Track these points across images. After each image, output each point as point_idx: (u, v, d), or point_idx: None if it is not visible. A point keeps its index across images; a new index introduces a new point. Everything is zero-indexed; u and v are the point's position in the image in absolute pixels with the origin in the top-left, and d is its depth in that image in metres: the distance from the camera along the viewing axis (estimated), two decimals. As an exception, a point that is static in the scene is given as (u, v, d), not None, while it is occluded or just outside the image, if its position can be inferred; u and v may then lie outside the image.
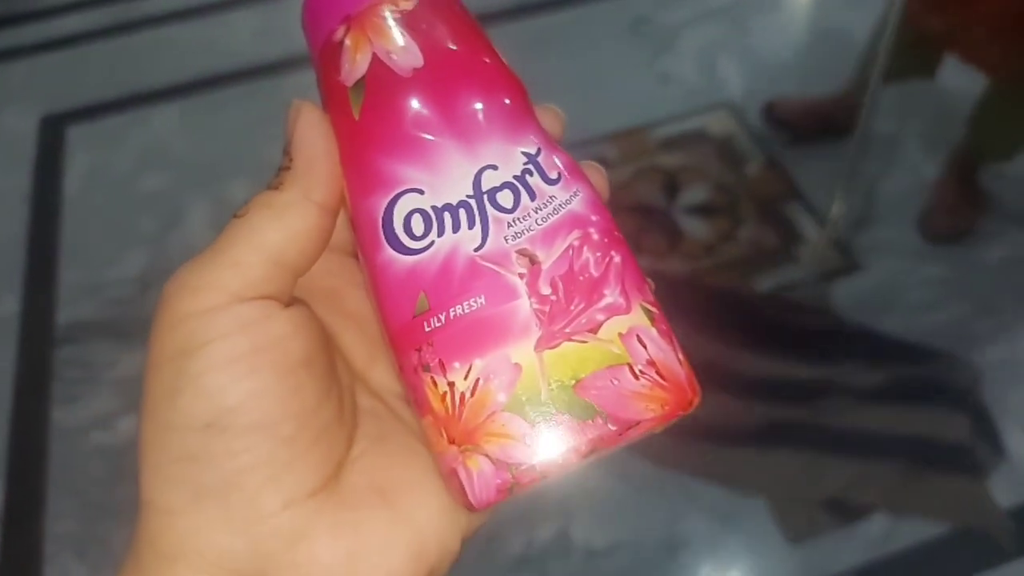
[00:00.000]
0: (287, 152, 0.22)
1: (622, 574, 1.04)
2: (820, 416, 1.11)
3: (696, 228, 1.38)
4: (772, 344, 1.17)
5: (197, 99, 1.64)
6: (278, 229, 0.20)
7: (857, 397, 1.12)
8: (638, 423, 0.20)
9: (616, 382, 0.20)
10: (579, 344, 0.20)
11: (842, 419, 1.11)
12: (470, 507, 0.20)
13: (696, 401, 0.21)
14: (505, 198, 0.22)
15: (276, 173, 0.22)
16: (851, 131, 1.25)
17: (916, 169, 1.46)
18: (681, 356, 0.21)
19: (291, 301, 0.21)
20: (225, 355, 0.19)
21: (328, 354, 0.22)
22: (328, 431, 0.21)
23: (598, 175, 0.24)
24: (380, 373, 0.24)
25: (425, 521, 0.21)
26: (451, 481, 0.21)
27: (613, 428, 0.20)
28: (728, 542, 1.06)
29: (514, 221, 0.21)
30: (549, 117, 0.24)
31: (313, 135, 0.22)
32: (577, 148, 1.37)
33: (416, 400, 0.21)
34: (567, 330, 0.21)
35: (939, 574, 1.04)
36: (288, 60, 1.69)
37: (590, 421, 0.20)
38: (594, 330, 0.21)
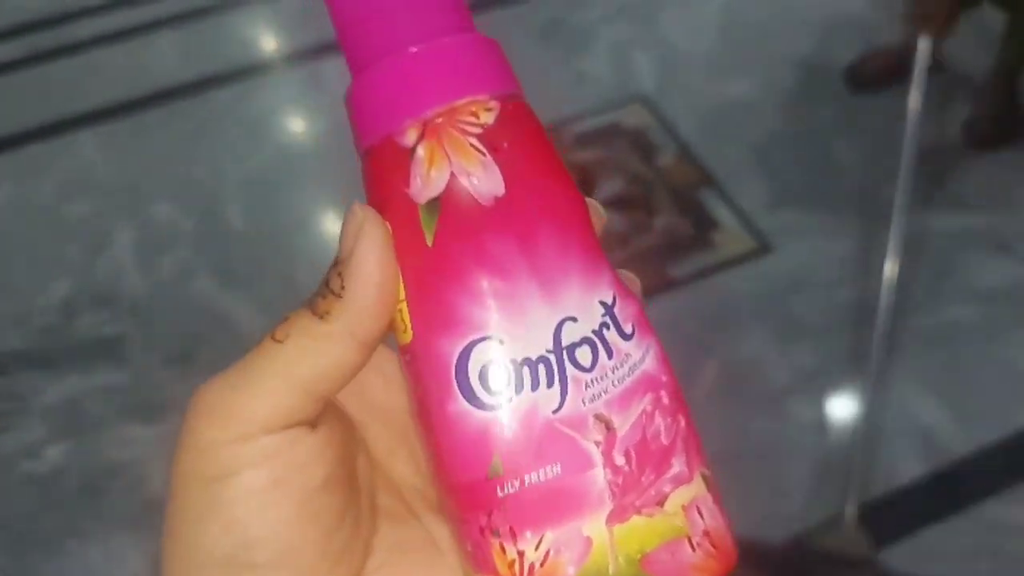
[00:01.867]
0: (339, 271, 0.20)
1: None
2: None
3: (612, 220, 1.40)
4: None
5: (120, 123, 1.64)
6: (316, 364, 0.20)
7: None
8: None
9: (676, 555, 0.21)
10: (647, 518, 0.20)
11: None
12: None
13: (736, 561, 0.22)
14: (584, 355, 0.20)
15: (323, 293, 0.20)
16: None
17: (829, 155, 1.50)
18: (727, 520, 0.22)
19: (318, 420, 0.21)
20: (250, 486, 0.19)
21: (349, 466, 0.22)
22: (346, 551, 0.21)
23: (636, 286, 0.23)
24: (401, 465, 0.24)
25: None
26: None
27: None
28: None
29: (592, 382, 0.20)
30: (594, 217, 0.23)
31: (374, 265, 0.20)
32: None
33: (478, 560, 0.21)
34: (637, 503, 0.20)
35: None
36: (212, 78, 1.70)
37: None
38: (661, 503, 0.21)
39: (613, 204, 1.44)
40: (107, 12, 1.83)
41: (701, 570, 0.21)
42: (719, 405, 1.19)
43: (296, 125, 1.69)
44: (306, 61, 1.76)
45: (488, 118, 0.21)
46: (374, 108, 0.21)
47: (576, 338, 0.20)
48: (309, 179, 1.51)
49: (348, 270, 0.20)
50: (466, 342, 0.20)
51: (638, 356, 0.21)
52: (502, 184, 0.20)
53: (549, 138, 0.22)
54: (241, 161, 1.55)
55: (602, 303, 0.21)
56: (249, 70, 1.76)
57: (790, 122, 1.55)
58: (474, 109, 0.21)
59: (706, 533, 0.21)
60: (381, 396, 0.24)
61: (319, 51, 1.77)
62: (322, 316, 0.20)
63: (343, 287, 0.20)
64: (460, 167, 0.20)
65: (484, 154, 0.20)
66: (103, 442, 1.19)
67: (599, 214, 0.23)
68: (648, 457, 0.21)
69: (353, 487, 0.22)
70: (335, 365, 0.20)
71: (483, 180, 0.20)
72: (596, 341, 0.20)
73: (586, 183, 1.47)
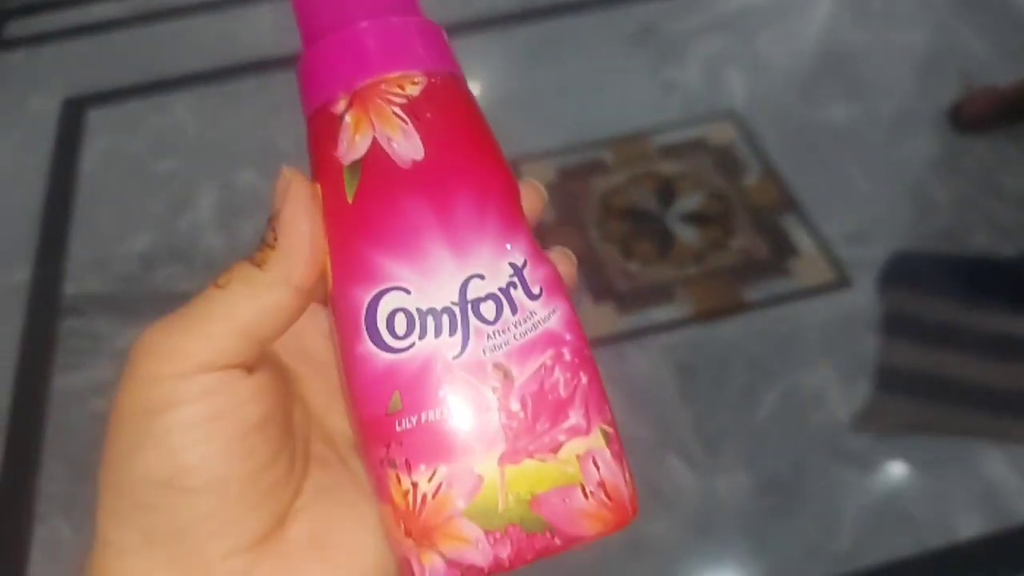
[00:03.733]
0: (272, 227, 0.22)
1: (580, 570, 1.05)
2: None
3: (688, 235, 1.39)
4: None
5: (213, 89, 1.69)
6: (254, 308, 0.21)
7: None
8: (581, 538, 0.22)
9: (567, 501, 0.22)
10: (539, 462, 0.22)
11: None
12: None
13: (634, 518, 0.23)
14: (488, 310, 0.22)
15: (259, 246, 0.22)
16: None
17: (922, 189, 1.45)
18: (628, 476, 0.23)
19: (256, 364, 0.22)
20: (186, 420, 0.20)
21: (286, 412, 0.23)
22: (276, 487, 0.22)
23: (568, 263, 0.25)
24: (336, 419, 0.25)
25: (358, 570, 0.23)
26: (403, 568, 0.22)
27: (558, 542, 0.22)
28: (692, 547, 1.07)
29: (494, 334, 0.22)
30: (531, 195, 0.25)
31: (302, 217, 0.22)
32: (575, 152, 1.40)
33: (378, 489, 0.22)
34: (530, 448, 0.22)
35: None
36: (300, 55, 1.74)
37: (539, 534, 0.21)
38: (555, 450, 0.22)
39: (691, 219, 1.42)
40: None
41: (593, 518, 0.22)
42: (776, 433, 1.16)
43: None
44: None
45: (414, 91, 0.22)
46: (315, 79, 0.23)
47: (482, 293, 0.22)
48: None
49: (279, 223, 0.22)
50: (376, 291, 0.22)
51: (543, 315, 0.23)
52: (421, 150, 0.22)
53: (479, 115, 0.24)
54: (326, 136, 1.58)
55: (512, 264, 0.23)
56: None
57: (884, 154, 1.50)
58: (401, 83, 0.22)
59: (600, 484, 0.22)
60: (320, 352, 0.26)
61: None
62: (259, 265, 0.22)
63: (275, 238, 0.22)
64: (382, 133, 0.22)
65: (406, 122, 0.22)
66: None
67: (540, 195, 0.25)
68: (544, 407, 0.22)
69: (288, 432, 0.23)
70: (272, 309, 0.22)
71: (403, 145, 0.22)
72: (501, 298, 0.22)
73: (666, 195, 1.45)
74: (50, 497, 1.14)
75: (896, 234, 1.38)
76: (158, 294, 1.35)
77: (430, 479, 0.21)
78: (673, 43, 1.72)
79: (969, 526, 1.07)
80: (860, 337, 1.26)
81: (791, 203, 1.43)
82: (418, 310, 0.22)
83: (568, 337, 0.23)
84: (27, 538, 1.11)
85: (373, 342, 0.22)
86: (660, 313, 1.29)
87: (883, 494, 1.11)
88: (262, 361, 0.23)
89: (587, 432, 0.22)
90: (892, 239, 1.37)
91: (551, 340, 0.23)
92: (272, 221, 0.22)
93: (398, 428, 0.22)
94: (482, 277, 0.22)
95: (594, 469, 0.22)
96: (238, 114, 1.63)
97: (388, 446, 0.22)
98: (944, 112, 1.53)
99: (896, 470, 1.13)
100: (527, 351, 0.22)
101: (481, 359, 0.22)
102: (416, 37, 0.23)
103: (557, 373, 0.22)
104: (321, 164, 0.23)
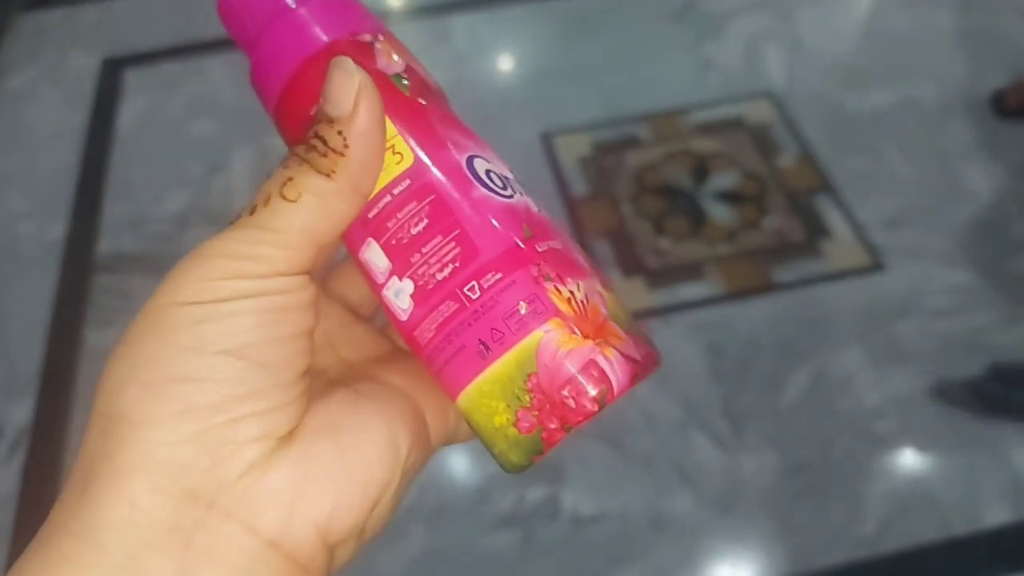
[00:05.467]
0: (341, 132, 0.22)
1: (605, 544, 1.06)
2: None
3: (721, 214, 1.38)
4: None
5: (250, 52, 1.69)
6: (327, 219, 0.22)
7: None
8: (657, 362, 0.25)
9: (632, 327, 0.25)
10: (613, 295, 0.25)
11: None
12: (610, 392, 0.23)
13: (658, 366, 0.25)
14: (519, 187, 0.25)
15: (323, 150, 0.22)
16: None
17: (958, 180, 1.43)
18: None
19: (314, 278, 0.23)
20: (259, 307, 0.21)
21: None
22: (308, 392, 0.23)
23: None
24: (346, 349, 0.27)
25: (371, 456, 0.23)
26: (589, 371, 0.23)
27: (652, 356, 0.24)
28: (715, 526, 1.07)
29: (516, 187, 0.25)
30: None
31: (377, 126, 0.22)
32: (611, 127, 1.39)
33: (538, 308, 0.23)
34: (599, 274, 0.25)
35: (928, 578, 1.04)
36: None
37: (644, 344, 0.24)
38: (610, 290, 0.25)
39: (724, 198, 1.41)
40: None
41: (644, 342, 0.24)
42: (804, 415, 1.16)
43: (417, 76, 1.71)
44: (435, 15, 1.78)
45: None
46: (339, 17, 0.25)
47: (510, 175, 0.25)
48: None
49: (351, 130, 0.22)
50: (468, 155, 0.24)
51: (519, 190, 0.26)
52: (436, 83, 0.26)
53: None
54: (360, 104, 1.58)
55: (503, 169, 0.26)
56: (379, 18, 1.78)
57: (923, 140, 1.48)
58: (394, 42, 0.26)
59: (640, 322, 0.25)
60: (327, 305, 0.27)
61: (448, 7, 1.79)
62: (327, 174, 0.21)
63: (346, 145, 0.22)
64: (412, 60, 0.25)
65: (417, 63, 0.26)
66: (197, 351, 1.24)
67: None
68: (570, 253, 0.25)
69: (319, 351, 0.24)
70: (343, 219, 0.22)
71: (426, 74, 0.26)
72: (511, 178, 0.25)
73: (700, 173, 1.44)
74: (78, 451, 1.16)
75: (932, 221, 1.36)
76: (191, 254, 1.37)
77: (578, 289, 0.23)
78: (713, 20, 1.70)
79: (996, 514, 1.07)
80: (891, 322, 1.25)
81: (826, 185, 1.41)
82: (500, 174, 0.24)
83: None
84: (58, 490, 1.13)
85: (486, 188, 0.24)
86: (690, 291, 1.29)
87: (909, 479, 1.11)
88: (315, 279, 0.23)
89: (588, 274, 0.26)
90: (928, 226, 1.36)
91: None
92: (338, 124, 0.22)
93: (539, 249, 0.23)
94: (492, 163, 0.25)
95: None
96: (273, 79, 1.64)
97: (538, 264, 0.23)
98: (987, 99, 1.50)
99: (923, 456, 1.13)
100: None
101: (546, 217, 0.25)
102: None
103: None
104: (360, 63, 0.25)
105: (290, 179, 0.22)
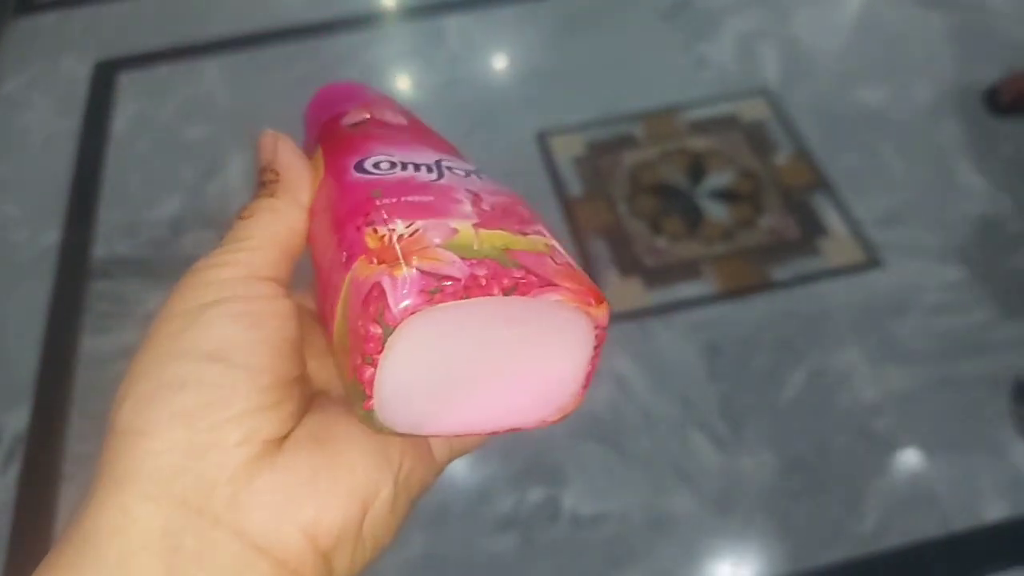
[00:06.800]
0: (272, 169, 0.27)
1: (605, 544, 1.06)
2: None
3: (717, 212, 1.38)
4: None
5: (243, 55, 1.69)
6: (282, 225, 0.26)
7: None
8: (555, 286, 0.22)
9: (539, 259, 0.22)
10: (510, 233, 0.23)
11: None
12: (390, 319, 0.21)
13: (601, 304, 0.23)
14: (459, 168, 0.26)
15: (263, 185, 0.27)
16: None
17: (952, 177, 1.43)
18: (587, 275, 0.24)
19: (290, 292, 0.25)
20: (237, 310, 0.23)
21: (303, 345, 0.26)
22: (294, 400, 0.23)
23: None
24: (320, 372, 0.28)
25: (357, 461, 0.23)
26: (372, 296, 0.21)
27: (534, 279, 0.22)
28: (715, 525, 1.07)
29: (466, 177, 0.26)
30: None
31: (295, 157, 0.27)
32: (606, 126, 1.39)
33: (350, 252, 0.22)
34: (502, 224, 0.23)
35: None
36: (333, 23, 1.73)
37: (514, 269, 0.22)
38: (523, 233, 0.23)
39: (720, 196, 1.41)
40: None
41: (563, 276, 0.22)
42: (803, 413, 1.16)
43: (411, 77, 1.71)
44: (428, 16, 1.77)
45: (384, 114, 0.30)
46: (330, 101, 0.31)
47: (454, 165, 0.26)
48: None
49: (278, 163, 0.27)
50: (365, 156, 0.26)
51: (508, 192, 0.26)
52: (404, 120, 0.30)
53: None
54: (354, 106, 1.57)
55: (475, 167, 0.27)
56: (372, 19, 1.78)
57: (918, 136, 1.48)
58: (379, 109, 0.30)
59: (567, 263, 0.23)
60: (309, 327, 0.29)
61: (441, 8, 1.78)
62: (272, 195, 0.26)
63: (278, 174, 0.26)
64: (378, 113, 0.29)
65: (394, 111, 0.30)
66: (194, 356, 1.23)
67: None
68: (510, 215, 0.24)
69: (303, 378, 0.25)
70: (296, 226, 0.26)
71: (393, 117, 0.29)
72: (472, 170, 0.27)
73: (696, 172, 1.44)
74: (77, 457, 1.16)
75: (928, 218, 1.36)
76: (187, 259, 1.34)
77: (407, 226, 0.22)
78: (707, 18, 1.70)
79: (995, 510, 1.07)
80: (888, 319, 1.25)
81: (822, 183, 1.41)
82: (401, 161, 0.26)
83: (526, 212, 0.25)
84: (54, 497, 1.12)
85: (358, 171, 0.25)
86: (687, 289, 1.29)
87: (908, 476, 1.11)
88: (291, 293, 0.25)
89: (548, 236, 0.24)
90: (924, 223, 1.36)
91: (514, 199, 0.26)
92: (268, 166, 0.27)
93: (377, 203, 0.23)
94: (450, 164, 0.26)
95: (559, 254, 0.23)
96: (268, 81, 1.63)
97: (367, 213, 0.23)
98: (981, 95, 1.51)
99: (921, 453, 1.13)
100: (494, 191, 0.25)
101: (456, 183, 0.25)
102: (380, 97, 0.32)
103: (522, 208, 0.25)
104: (325, 130, 0.29)
105: (246, 207, 0.26)
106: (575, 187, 1.40)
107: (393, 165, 0.25)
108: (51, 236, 1.41)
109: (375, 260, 0.21)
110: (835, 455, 1.12)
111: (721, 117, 1.51)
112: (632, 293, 1.27)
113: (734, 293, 1.28)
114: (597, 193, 1.40)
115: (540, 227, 0.24)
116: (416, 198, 0.23)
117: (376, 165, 0.25)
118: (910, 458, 1.12)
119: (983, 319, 1.24)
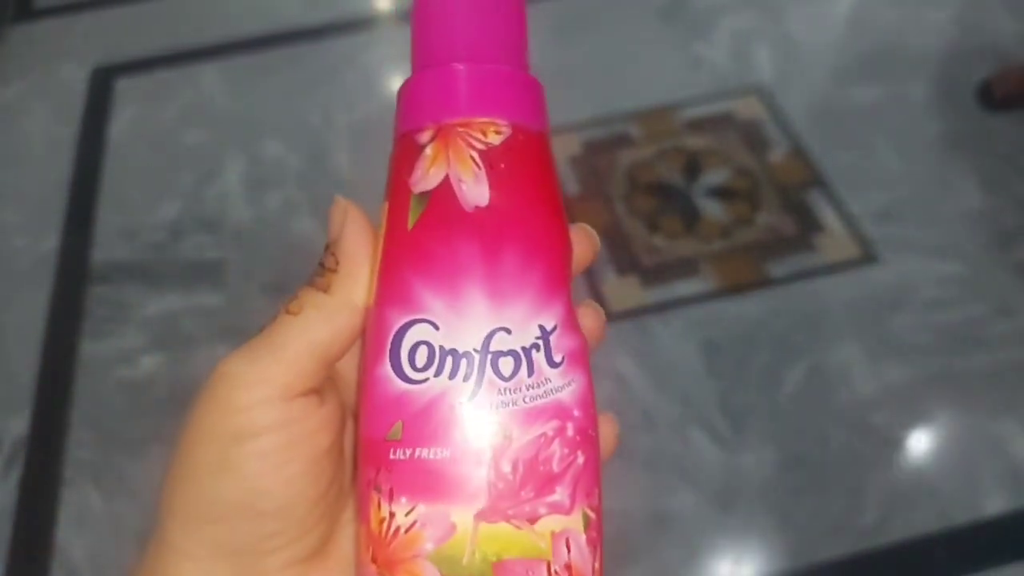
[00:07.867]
0: (333, 252, 0.24)
1: (607, 543, 1.06)
2: None
3: (714, 210, 1.38)
4: None
5: (242, 60, 1.69)
6: (328, 330, 0.23)
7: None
8: None
9: (529, 572, 0.22)
10: (514, 528, 0.22)
11: None
12: None
13: None
14: (506, 365, 0.22)
15: (321, 272, 0.24)
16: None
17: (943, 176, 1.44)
18: (598, 565, 0.24)
19: (324, 391, 0.24)
20: (267, 448, 0.22)
21: (342, 437, 0.25)
22: (333, 506, 0.24)
23: (594, 318, 0.26)
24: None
25: None
26: None
27: None
28: (716, 522, 1.07)
29: (505, 391, 0.22)
30: (584, 241, 0.26)
31: (360, 243, 0.24)
32: (601, 125, 1.40)
33: (360, 508, 0.23)
34: (509, 512, 0.22)
35: (927, 571, 1.04)
36: (333, 26, 1.74)
37: None
38: (532, 521, 0.22)
39: (717, 194, 1.41)
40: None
41: None
42: (801, 409, 1.16)
43: (408, 81, 1.71)
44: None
45: (496, 139, 0.23)
46: (410, 105, 0.24)
47: (504, 348, 0.22)
48: (415, 134, 1.52)
49: (340, 249, 0.24)
50: (408, 318, 0.22)
51: (558, 384, 0.23)
52: (487, 197, 0.23)
53: (552, 176, 0.25)
54: (352, 110, 1.58)
55: (541, 327, 0.23)
56: (369, 23, 1.78)
57: (913, 133, 1.49)
58: (486, 128, 0.23)
59: (568, 567, 0.22)
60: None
61: (439, 10, 1.78)
62: (325, 290, 0.23)
63: (337, 263, 0.24)
64: (455, 172, 0.23)
65: (479, 167, 0.23)
66: (194, 358, 1.24)
67: (593, 242, 0.26)
68: (533, 475, 0.22)
69: (344, 453, 0.25)
70: (343, 330, 0.23)
71: (471, 188, 0.23)
72: (522, 357, 0.22)
73: (692, 170, 1.44)
74: (78, 463, 1.16)
75: (923, 214, 1.37)
76: (186, 263, 1.36)
77: (407, 513, 0.22)
78: (702, 18, 1.71)
79: (995, 503, 1.07)
80: (885, 315, 1.25)
81: (818, 180, 1.42)
82: (441, 348, 0.22)
83: (576, 413, 0.23)
84: (55, 503, 1.12)
85: (392, 367, 0.22)
86: (685, 287, 1.29)
87: (908, 470, 1.11)
88: (328, 385, 0.24)
89: (568, 511, 0.23)
90: (919, 218, 1.36)
91: (558, 412, 0.23)
92: (332, 247, 0.24)
93: (391, 456, 0.22)
94: (508, 332, 0.22)
95: (565, 550, 0.22)
96: (267, 86, 1.63)
97: (378, 470, 0.22)
98: (974, 91, 1.51)
99: (921, 447, 1.13)
100: (532, 416, 0.22)
101: (487, 412, 0.22)
102: (513, 89, 0.25)
103: (555, 446, 0.23)
104: (394, 186, 0.24)
105: (295, 297, 0.24)
106: (572, 187, 1.40)
107: (430, 359, 0.22)
108: (50, 242, 1.41)
109: (371, 550, 0.22)
110: (835, 450, 1.12)
111: (717, 116, 1.51)
112: (630, 292, 1.28)
113: (732, 290, 1.28)
114: (594, 192, 1.40)
115: (568, 481, 0.23)
116: (432, 453, 0.22)
117: (412, 354, 0.22)
118: (910, 452, 1.13)
119: (980, 313, 1.25)
